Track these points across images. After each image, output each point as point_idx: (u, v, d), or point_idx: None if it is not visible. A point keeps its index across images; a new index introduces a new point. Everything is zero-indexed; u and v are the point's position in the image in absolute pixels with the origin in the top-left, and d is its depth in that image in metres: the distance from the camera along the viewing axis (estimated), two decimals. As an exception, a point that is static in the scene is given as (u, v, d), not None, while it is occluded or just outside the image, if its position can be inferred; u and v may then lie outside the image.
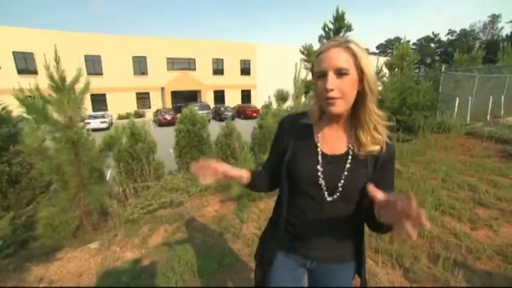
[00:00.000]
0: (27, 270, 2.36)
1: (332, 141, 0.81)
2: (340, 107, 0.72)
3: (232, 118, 18.44)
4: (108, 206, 3.39)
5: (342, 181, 0.77)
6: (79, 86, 2.87)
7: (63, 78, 2.62)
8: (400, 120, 6.40)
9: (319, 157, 0.80)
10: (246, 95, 28.84)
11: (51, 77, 2.45)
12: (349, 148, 0.79)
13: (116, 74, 22.86)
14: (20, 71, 19.01)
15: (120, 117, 22.61)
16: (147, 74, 24.32)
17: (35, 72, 19.33)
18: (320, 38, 8.69)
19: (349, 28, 8.11)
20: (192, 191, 4.19)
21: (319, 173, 0.79)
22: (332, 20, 8.20)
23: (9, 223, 3.03)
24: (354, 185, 0.77)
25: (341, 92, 0.70)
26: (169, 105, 24.16)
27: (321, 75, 0.72)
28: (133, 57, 23.58)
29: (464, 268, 1.92)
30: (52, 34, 19.84)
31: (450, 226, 2.50)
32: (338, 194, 0.79)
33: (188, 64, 25.75)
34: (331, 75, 0.70)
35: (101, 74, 22.32)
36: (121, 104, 23.36)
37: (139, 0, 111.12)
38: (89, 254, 2.66)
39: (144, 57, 23.99)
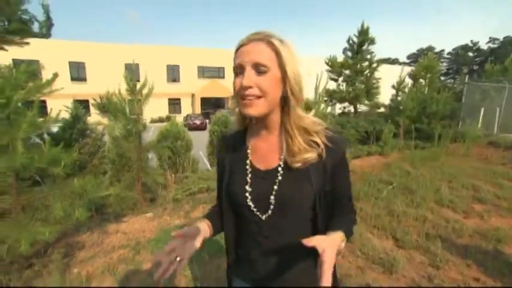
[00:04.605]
0: (106, 226, 3.18)
1: (265, 154, 0.73)
2: (259, 107, 0.63)
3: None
4: (158, 188, 4.21)
5: (272, 197, 0.69)
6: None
7: (134, 85, 3.49)
8: (419, 129, 6.66)
9: (249, 176, 0.73)
10: (270, 103, 29.65)
11: (128, 84, 3.31)
12: (281, 159, 0.70)
13: (151, 81, 24.98)
14: (73, 79, 21.62)
15: (153, 121, 24.49)
16: (179, 81, 26.16)
17: (84, 79, 21.86)
18: (344, 50, 9.22)
19: (372, 42, 8.58)
20: (223, 181, 4.91)
21: (247, 194, 0.72)
22: (356, 33, 8.71)
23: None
24: (290, 198, 0.68)
25: (261, 90, 0.62)
26: (198, 111, 25.67)
27: (238, 72, 0.64)
28: (168, 66, 25.56)
29: (446, 242, 2.37)
30: (99, 46, 22.38)
31: (445, 215, 2.91)
32: (271, 211, 0.70)
33: (218, 72, 27.27)
34: (248, 71, 0.61)
35: (138, 81, 24.50)
36: (154, 109, 25.26)
37: (172, 12, 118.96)
38: (146, 220, 3.45)
39: (177, 66, 25.90)
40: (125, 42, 24.35)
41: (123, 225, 3.27)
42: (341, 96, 8.75)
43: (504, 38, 50.39)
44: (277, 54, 0.61)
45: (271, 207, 0.70)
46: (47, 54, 19.55)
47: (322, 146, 0.67)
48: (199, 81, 26.35)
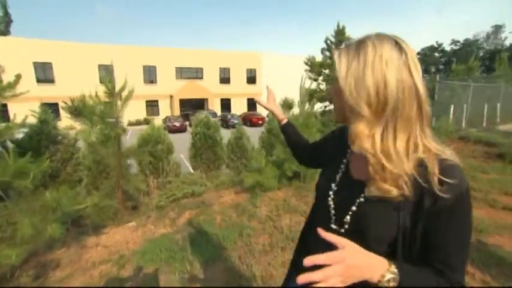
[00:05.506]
0: (83, 240, 2.93)
1: (362, 163, 0.63)
2: (335, 115, 0.68)
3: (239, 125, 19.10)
4: (140, 195, 3.97)
5: (348, 217, 0.64)
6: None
7: (113, 87, 3.26)
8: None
9: (338, 175, 0.71)
10: (251, 103, 29.63)
11: (106, 86, 3.09)
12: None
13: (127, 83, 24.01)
14: (39, 80, 20.11)
15: (130, 124, 23.48)
16: (156, 82, 25.33)
17: (52, 81, 20.43)
18: (322, 51, 9.38)
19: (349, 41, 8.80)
20: (208, 185, 4.76)
21: (330, 192, 0.70)
22: (333, 33, 8.90)
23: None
24: (367, 227, 0.60)
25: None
26: (177, 112, 25.01)
27: None
28: (144, 67, 24.65)
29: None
30: (67, 45, 21.03)
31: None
32: (344, 230, 0.65)
33: (196, 73, 26.76)
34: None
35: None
36: (131, 111, 24.20)
37: (147, 10, 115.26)
38: (129, 230, 3.23)
39: (154, 67, 25.06)
40: (97, 41, 23.12)
41: (103, 237, 3.03)
42: (321, 95, 8.89)
43: (464, 40, 54.44)
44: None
45: (346, 225, 0.66)
46: (7, 53, 17.97)
47: (404, 181, 0.55)
48: (177, 82, 25.69)
